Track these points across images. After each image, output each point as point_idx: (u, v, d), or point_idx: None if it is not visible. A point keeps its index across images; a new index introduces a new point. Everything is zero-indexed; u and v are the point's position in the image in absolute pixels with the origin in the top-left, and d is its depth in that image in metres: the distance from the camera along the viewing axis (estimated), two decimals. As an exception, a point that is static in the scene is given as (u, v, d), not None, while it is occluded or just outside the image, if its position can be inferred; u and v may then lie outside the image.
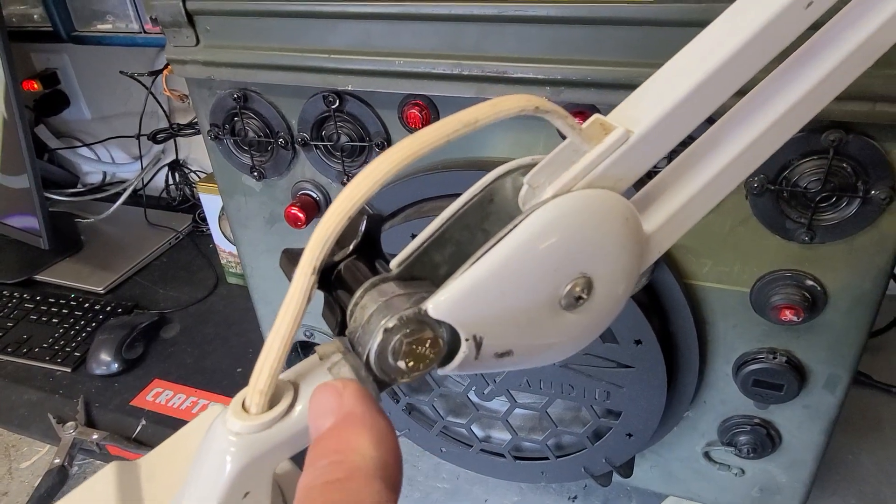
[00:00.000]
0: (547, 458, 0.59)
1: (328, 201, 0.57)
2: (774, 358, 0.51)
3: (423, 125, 0.50)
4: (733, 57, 0.20)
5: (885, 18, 0.20)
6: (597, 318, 0.21)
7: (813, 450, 0.55)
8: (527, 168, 0.21)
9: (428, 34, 0.46)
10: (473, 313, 0.19)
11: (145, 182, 1.25)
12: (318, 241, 0.17)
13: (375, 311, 0.19)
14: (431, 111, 0.50)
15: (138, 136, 1.15)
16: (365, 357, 0.19)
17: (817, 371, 0.51)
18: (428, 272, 0.21)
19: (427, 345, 0.19)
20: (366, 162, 0.54)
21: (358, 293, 0.20)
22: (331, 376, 0.19)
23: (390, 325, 0.19)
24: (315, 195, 0.57)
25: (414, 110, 0.50)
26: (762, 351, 0.51)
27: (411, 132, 0.51)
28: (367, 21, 0.46)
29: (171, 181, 1.24)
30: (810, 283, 0.47)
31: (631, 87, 0.43)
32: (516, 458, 0.61)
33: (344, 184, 0.55)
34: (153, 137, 1.10)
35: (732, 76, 0.21)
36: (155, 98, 1.11)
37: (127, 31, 0.92)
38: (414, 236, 0.51)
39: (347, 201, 0.17)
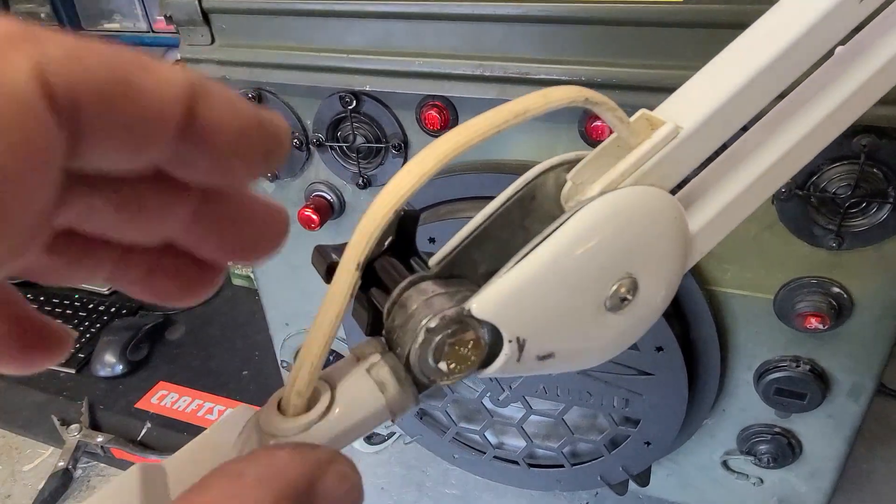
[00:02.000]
0: (562, 466, 0.58)
1: (342, 203, 0.57)
2: (798, 366, 0.50)
3: (442, 126, 0.49)
4: (786, 52, 0.20)
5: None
6: (639, 321, 0.21)
7: (835, 459, 0.54)
8: (570, 164, 0.20)
9: (450, 34, 0.45)
10: (518, 313, 0.19)
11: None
12: (363, 235, 0.16)
13: (415, 310, 0.18)
14: (450, 112, 0.49)
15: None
16: (405, 358, 0.18)
17: (841, 380, 0.50)
18: (467, 270, 0.20)
19: (469, 346, 0.18)
20: (381, 164, 0.53)
21: (396, 292, 0.19)
22: (370, 378, 0.18)
23: (432, 324, 0.18)
24: (329, 197, 0.56)
25: (432, 111, 0.49)
26: (785, 359, 0.50)
27: (429, 134, 0.51)
28: (387, 20, 0.46)
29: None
30: (836, 290, 0.46)
31: (655, 89, 0.43)
32: (531, 465, 0.60)
33: (359, 186, 0.54)
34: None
35: (784, 71, 0.20)
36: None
37: (135, 30, 0.92)
38: (432, 240, 0.50)
39: (393, 195, 0.16)
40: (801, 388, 0.50)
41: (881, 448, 0.78)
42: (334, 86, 0.50)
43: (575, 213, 0.18)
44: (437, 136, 0.51)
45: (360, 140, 0.52)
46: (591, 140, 0.47)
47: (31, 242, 0.13)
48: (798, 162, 0.22)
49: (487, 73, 0.45)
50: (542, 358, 0.20)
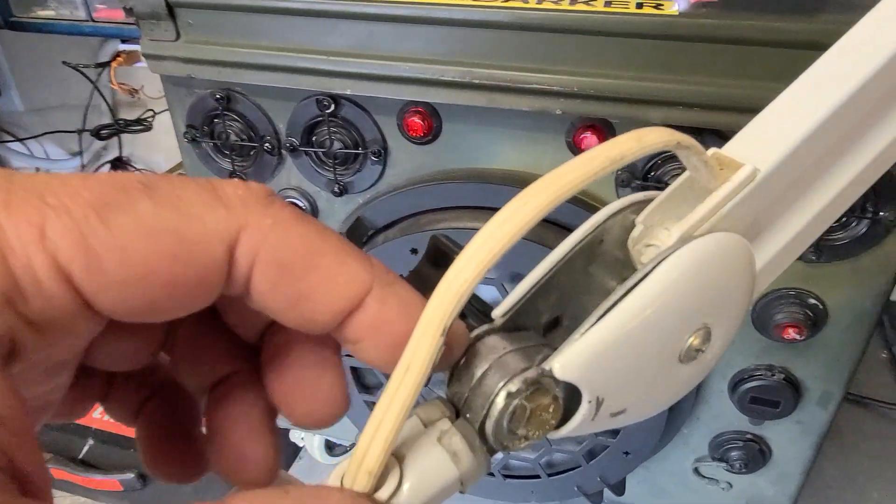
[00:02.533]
0: (538, 477, 0.58)
1: (315, 210, 0.54)
2: (772, 375, 0.51)
3: (425, 133, 0.48)
4: (860, 90, 0.19)
5: None
6: (705, 368, 0.20)
7: (802, 464, 0.56)
8: (639, 205, 0.19)
9: (437, 39, 0.43)
10: (601, 373, 0.17)
11: (86, 179, 1.16)
12: (453, 294, 0.15)
13: (488, 371, 0.17)
14: (434, 119, 0.47)
15: (80, 132, 1.07)
16: (479, 424, 0.17)
17: (812, 387, 0.51)
18: (530, 321, 0.19)
19: (550, 410, 0.17)
20: (359, 170, 0.51)
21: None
22: (442, 448, 0.17)
23: (513, 388, 0.16)
24: (301, 204, 0.53)
25: (415, 118, 0.47)
26: (760, 368, 0.51)
27: (411, 141, 0.49)
28: (372, 22, 0.43)
29: (114, 179, 1.16)
30: (813, 301, 0.47)
31: (649, 102, 0.42)
32: (506, 476, 0.59)
33: (335, 193, 0.52)
34: (97, 133, 1.03)
35: (861, 105, 0.19)
36: (100, 92, 1.03)
37: (72, 18, 0.85)
38: (414, 251, 0.48)
39: (487, 250, 0.15)
40: (776, 396, 0.51)
41: (828, 447, 0.81)
42: (312, 88, 0.47)
43: (659, 264, 0.17)
44: (419, 143, 0.49)
45: (337, 145, 0.50)
46: (579, 150, 0.46)
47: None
48: (861, 188, 0.22)
49: (476, 81, 0.43)
50: (615, 414, 0.18)
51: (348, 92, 0.46)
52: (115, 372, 0.18)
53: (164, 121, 1.08)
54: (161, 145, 1.16)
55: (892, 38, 0.19)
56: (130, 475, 0.74)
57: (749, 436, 0.55)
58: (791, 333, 0.47)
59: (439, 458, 0.16)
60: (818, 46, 0.38)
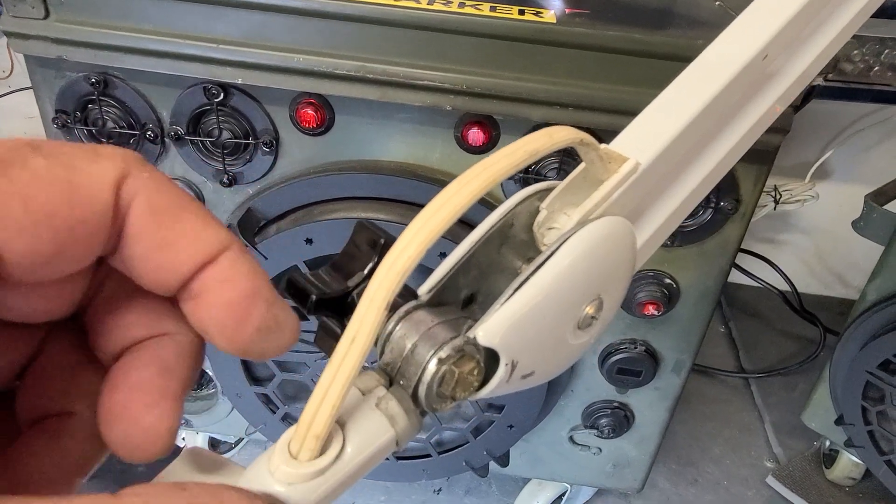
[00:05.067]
0: (429, 456, 0.61)
1: (201, 200, 0.53)
2: (635, 348, 0.57)
3: (317, 125, 0.48)
4: (717, 98, 0.23)
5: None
6: (596, 335, 0.23)
7: (659, 425, 0.63)
8: (543, 193, 0.22)
9: (331, 33, 0.44)
10: (516, 339, 0.20)
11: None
12: (396, 273, 0.16)
13: (419, 341, 0.19)
14: (327, 111, 0.48)
15: None
16: (412, 389, 0.19)
17: (667, 357, 0.58)
18: (451, 297, 0.21)
19: (475, 372, 0.19)
20: (249, 161, 0.50)
21: (391, 323, 0.19)
22: (380, 412, 0.18)
23: (443, 355, 0.18)
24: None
25: (308, 109, 0.47)
26: (625, 342, 0.57)
27: (303, 132, 0.49)
28: (265, 12, 0.43)
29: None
30: (668, 281, 0.54)
31: (530, 101, 0.46)
32: (398, 458, 0.61)
33: (223, 183, 0.51)
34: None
35: (715, 112, 0.23)
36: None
37: None
38: (309, 241, 0.49)
39: (426, 232, 0.16)
40: (638, 366, 0.57)
41: (679, 413, 0.91)
42: (200, 76, 0.46)
43: (562, 244, 0.20)
44: (311, 135, 0.49)
45: (226, 135, 0.49)
46: (467, 145, 0.49)
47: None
48: (720, 175, 0.26)
49: (370, 76, 0.45)
50: (525, 377, 0.21)
51: (239, 81, 0.45)
52: None
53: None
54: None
55: (740, 55, 0.23)
56: None
57: (616, 404, 0.61)
58: (651, 310, 0.53)
59: (378, 421, 0.18)
60: (671, 57, 0.44)
